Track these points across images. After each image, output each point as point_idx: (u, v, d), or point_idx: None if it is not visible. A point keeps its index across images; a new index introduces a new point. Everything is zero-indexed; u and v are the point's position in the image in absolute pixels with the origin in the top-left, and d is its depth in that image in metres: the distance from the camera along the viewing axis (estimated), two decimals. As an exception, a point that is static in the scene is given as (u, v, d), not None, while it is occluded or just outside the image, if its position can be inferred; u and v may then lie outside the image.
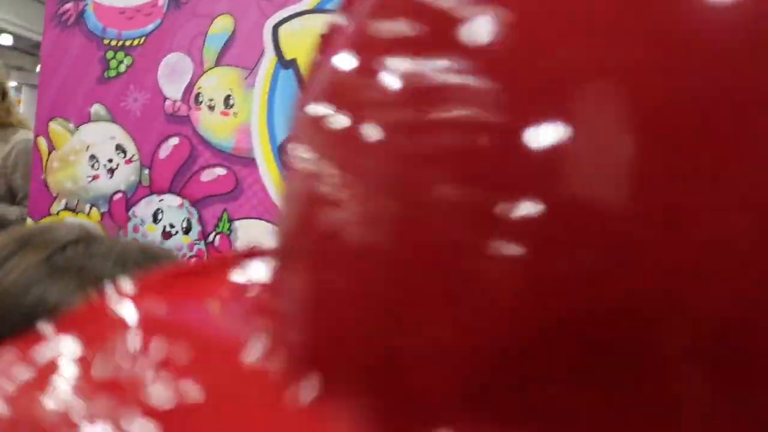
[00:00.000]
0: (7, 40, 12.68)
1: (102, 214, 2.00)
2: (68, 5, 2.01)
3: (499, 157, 0.14)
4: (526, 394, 0.14)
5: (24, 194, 2.23)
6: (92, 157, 2.01)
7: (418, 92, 0.15)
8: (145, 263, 0.55)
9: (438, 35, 0.16)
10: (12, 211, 2.27)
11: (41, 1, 2.02)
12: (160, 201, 1.91)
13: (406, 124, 0.16)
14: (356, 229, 0.16)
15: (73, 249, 0.55)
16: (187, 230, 1.87)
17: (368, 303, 0.16)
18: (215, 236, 1.82)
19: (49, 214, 2.06)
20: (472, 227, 0.14)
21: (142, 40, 1.93)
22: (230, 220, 1.80)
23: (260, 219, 1.76)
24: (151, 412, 0.17)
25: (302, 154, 0.19)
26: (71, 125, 2.03)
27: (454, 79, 0.15)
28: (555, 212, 0.13)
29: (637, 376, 0.13)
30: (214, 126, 1.84)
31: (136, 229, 1.96)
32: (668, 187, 0.13)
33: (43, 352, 0.20)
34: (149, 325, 0.21)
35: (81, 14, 2.00)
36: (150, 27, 1.93)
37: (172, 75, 1.89)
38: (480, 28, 0.15)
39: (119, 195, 1.98)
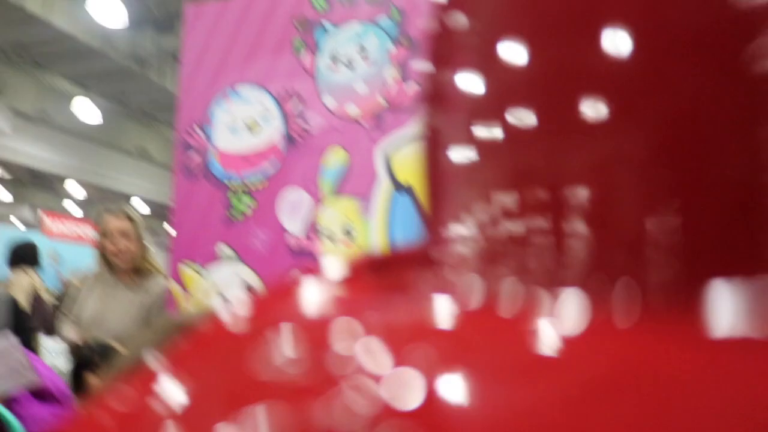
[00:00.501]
0: (142, 206, 13.90)
1: (234, 352, 2.04)
2: (194, 155, 2.15)
3: None
4: None
5: None
6: (221, 296, 2.08)
7: None
8: None
9: None
10: None
11: (172, 169, 2.19)
12: (289, 335, 1.93)
13: None
14: None
15: None
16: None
17: None
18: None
19: (184, 356, 2.12)
20: None
21: (263, 181, 2.02)
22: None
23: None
24: None
25: None
26: (201, 267, 2.12)
27: None
28: None
29: None
30: (336, 256, 1.87)
31: (267, 365, 1.98)
32: None
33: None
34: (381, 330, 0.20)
35: (206, 163, 2.13)
36: (269, 168, 2.02)
37: (293, 211, 1.96)
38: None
39: (249, 332, 2.01)
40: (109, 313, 2.43)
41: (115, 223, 2.47)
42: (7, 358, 1.66)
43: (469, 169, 0.22)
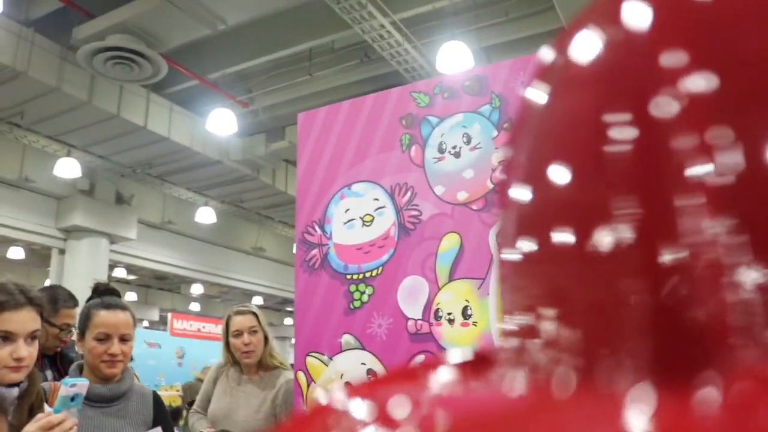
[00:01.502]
0: (258, 300, 14.47)
1: (361, 439, 2.08)
2: (314, 251, 2.28)
3: None
4: None
5: None
6: (347, 384, 2.14)
7: None
8: None
9: None
10: None
11: (286, 263, 2.33)
12: (414, 420, 1.96)
13: None
14: None
15: None
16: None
17: None
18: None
19: (313, 445, 2.18)
20: None
21: (380, 269, 2.11)
22: None
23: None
24: None
25: None
26: (325, 357, 2.20)
27: None
28: None
29: None
30: (456, 338, 1.91)
31: (394, 451, 2.00)
32: None
33: None
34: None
35: (325, 256, 2.25)
36: (385, 257, 2.12)
37: (410, 297, 2.02)
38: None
39: (375, 418, 2.05)
40: (237, 407, 2.54)
41: (243, 322, 2.62)
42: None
43: (513, 273, 0.26)
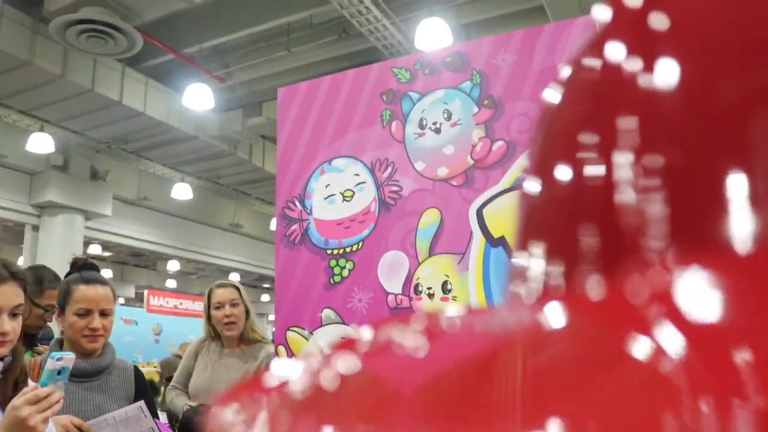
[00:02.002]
0: (235, 276, 14.44)
1: (341, 412, 2.11)
2: (294, 226, 2.29)
3: None
4: None
5: None
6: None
7: None
8: None
9: None
10: None
11: (263, 240, 2.34)
12: (394, 392, 1.99)
13: None
14: None
15: None
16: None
17: None
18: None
19: (294, 418, 2.21)
20: None
21: (360, 244, 2.13)
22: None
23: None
24: None
25: None
26: (306, 331, 2.22)
27: None
28: None
29: None
30: (436, 312, 1.93)
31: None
32: None
33: None
34: None
35: (305, 232, 2.26)
36: (365, 232, 2.13)
37: (391, 272, 2.04)
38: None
39: (355, 391, 2.08)
40: (218, 381, 2.55)
41: (225, 294, 2.63)
42: (140, 423, 1.78)
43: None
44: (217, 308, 2.61)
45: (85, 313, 1.87)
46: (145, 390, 1.99)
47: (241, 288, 2.71)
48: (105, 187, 10.59)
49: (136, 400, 1.88)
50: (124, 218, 11.61)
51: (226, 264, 14.07)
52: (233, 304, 2.60)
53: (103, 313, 1.90)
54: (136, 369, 2.03)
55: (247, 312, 2.64)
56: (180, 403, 2.59)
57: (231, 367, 2.58)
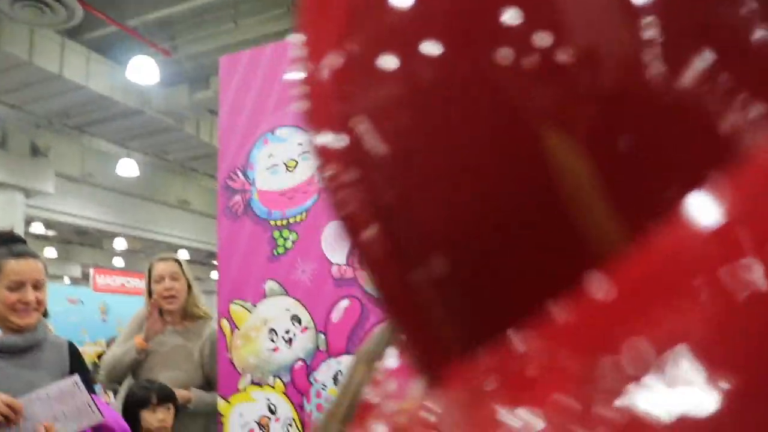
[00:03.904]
0: (184, 254, 14.21)
1: (285, 384, 2.09)
2: (237, 197, 2.24)
3: None
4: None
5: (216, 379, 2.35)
6: (271, 330, 2.14)
7: None
8: None
9: None
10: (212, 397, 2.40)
11: (212, 217, 2.31)
12: (338, 363, 1.98)
13: None
14: None
15: None
16: (367, 388, 1.90)
17: None
18: (396, 390, 1.84)
19: (238, 390, 2.18)
20: None
21: (304, 215, 2.10)
22: (409, 372, 1.82)
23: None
24: None
25: None
26: (249, 304, 2.18)
27: None
28: None
29: None
30: (379, 282, 1.92)
31: (318, 395, 2.02)
32: None
33: None
34: None
35: (248, 203, 2.22)
36: (309, 202, 2.10)
37: (335, 242, 2.02)
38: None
39: (300, 363, 2.07)
40: (159, 357, 2.49)
41: (164, 267, 2.56)
42: (75, 398, 1.73)
43: None
44: (158, 282, 2.54)
45: (17, 287, 1.80)
46: (80, 364, 1.94)
47: (183, 262, 2.64)
48: (47, 164, 10.26)
49: (71, 375, 1.83)
50: (67, 196, 11.29)
51: (174, 241, 13.84)
52: (173, 278, 2.54)
53: (36, 286, 1.83)
54: (70, 344, 1.97)
55: (189, 286, 2.58)
56: (121, 350, 2.49)
57: (172, 344, 2.52)
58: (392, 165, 0.19)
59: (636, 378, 0.14)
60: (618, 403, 0.14)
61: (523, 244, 0.18)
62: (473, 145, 0.18)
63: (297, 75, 0.23)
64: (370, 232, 0.20)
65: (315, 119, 0.22)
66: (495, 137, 0.17)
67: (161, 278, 2.54)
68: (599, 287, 0.16)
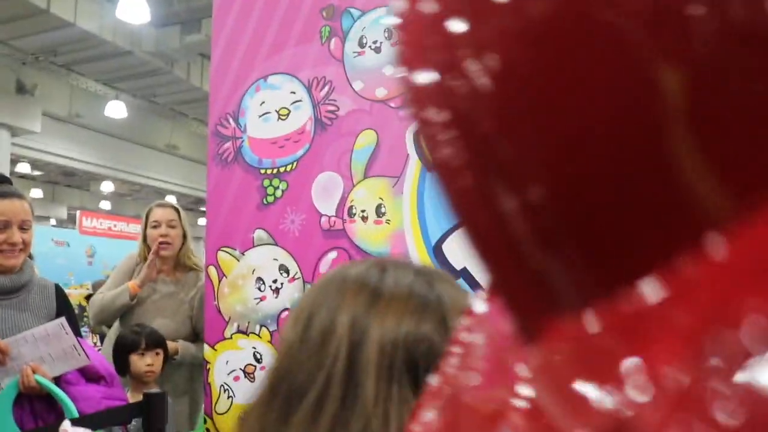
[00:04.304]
0: (171, 199, 14.15)
1: (272, 333, 2.10)
2: (227, 144, 2.21)
3: None
4: None
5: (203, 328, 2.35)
6: (258, 279, 2.14)
7: None
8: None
9: None
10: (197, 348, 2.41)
11: (200, 162, 2.29)
12: (325, 314, 1.98)
13: None
14: None
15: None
16: (353, 340, 1.92)
17: None
18: (382, 342, 1.85)
19: (224, 338, 2.19)
20: None
21: (295, 164, 2.08)
22: (395, 325, 1.83)
23: (424, 320, 1.77)
24: None
25: None
26: (237, 252, 2.18)
27: None
28: None
29: None
30: (369, 235, 1.92)
31: (304, 344, 2.03)
32: None
33: None
34: None
35: (238, 150, 2.19)
36: (300, 152, 2.08)
37: (325, 193, 2.01)
38: None
39: (286, 313, 2.07)
40: (150, 304, 2.49)
41: (163, 214, 2.55)
42: (61, 340, 1.73)
43: None
44: (154, 227, 2.53)
45: (3, 227, 1.78)
46: (66, 307, 1.93)
47: (182, 211, 2.64)
48: (33, 102, 10.09)
49: (57, 318, 1.82)
50: (54, 136, 11.15)
51: (162, 186, 13.77)
52: (170, 225, 2.53)
53: (23, 227, 1.81)
54: (57, 287, 1.96)
55: (185, 236, 2.58)
56: (112, 293, 2.47)
57: (164, 292, 2.52)
58: (497, 99, 0.18)
59: (760, 352, 0.13)
60: (738, 378, 0.13)
61: (630, 193, 0.17)
62: (584, 80, 0.17)
63: (394, 11, 0.22)
64: (467, 174, 0.19)
65: (412, 55, 0.20)
66: (607, 75, 0.17)
67: (158, 224, 2.53)
68: (716, 251, 0.16)
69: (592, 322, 0.17)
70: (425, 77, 0.20)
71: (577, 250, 0.18)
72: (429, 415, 0.25)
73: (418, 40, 0.20)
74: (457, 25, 0.19)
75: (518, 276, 0.19)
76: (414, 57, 0.20)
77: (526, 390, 0.20)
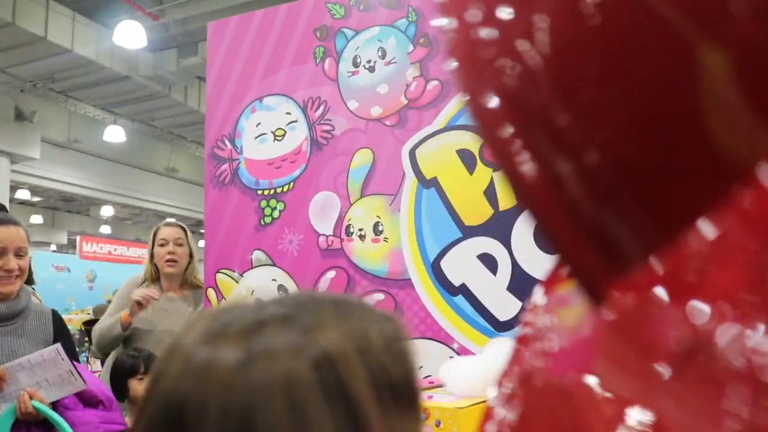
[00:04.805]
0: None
1: (271, 354, 2.08)
2: (224, 166, 2.21)
3: None
4: None
5: None
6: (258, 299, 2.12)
7: None
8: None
9: None
10: None
11: (200, 184, 2.31)
12: (324, 334, 1.97)
13: None
14: None
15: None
16: (353, 359, 1.90)
17: None
18: (382, 361, 1.84)
19: (224, 361, 2.17)
20: None
21: (291, 185, 2.08)
22: (395, 343, 1.81)
23: (423, 338, 1.76)
24: None
25: None
26: (236, 273, 2.17)
27: None
28: None
29: None
30: (367, 254, 1.91)
31: (304, 365, 2.02)
32: None
33: None
34: None
35: (235, 172, 2.19)
36: (296, 172, 2.08)
37: (322, 213, 2.01)
38: None
39: (286, 333, 2.06)
40: (159, 324, 2.46)
41: (170, 232, 2.56)
42: (57, 366, 1.72)
43: None
44: (161, 245, 2.54)
45: (0, 254, 1.78)
46: (63, 332, 1.92)
47: (188, 230, 2.65)
48: (32, 129, 10.13)
49: (54, 343, 1.81)
50: (53, 161, 11.17)
51: (162, 209, 13.77)
52: (178, 243, 2.54)
53: (18, 253, 1.81)
54: (54, 312, 1.95)
55: (191, 255, 2.58)
56: (109, 322, 2.45)
57: (173, 310, 2.50)
58: (549, 74, 0.20)
59: None
60: None
61: (673, 154, 0.19)
62: (629, 55, 0.19)
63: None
64: (521, 145, 0.21)
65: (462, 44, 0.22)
66: (649, 48, 0.18)
67: (165, 242, 2.54)
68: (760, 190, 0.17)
69: (658, 266, 0.19)
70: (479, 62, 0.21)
71: (635, 203, 0.19)
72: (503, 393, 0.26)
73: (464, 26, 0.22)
74: (506, 10, 0.21)
75: (581, 239, 0.21)
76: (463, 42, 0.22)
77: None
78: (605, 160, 0.19)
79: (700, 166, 0.18)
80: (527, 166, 0.20)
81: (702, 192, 0.18)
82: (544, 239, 0.22)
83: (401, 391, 0.47)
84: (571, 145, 0.20)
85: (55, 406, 1.74)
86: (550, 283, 0.28)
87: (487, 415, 0.26)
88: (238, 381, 0.44)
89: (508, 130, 0.21)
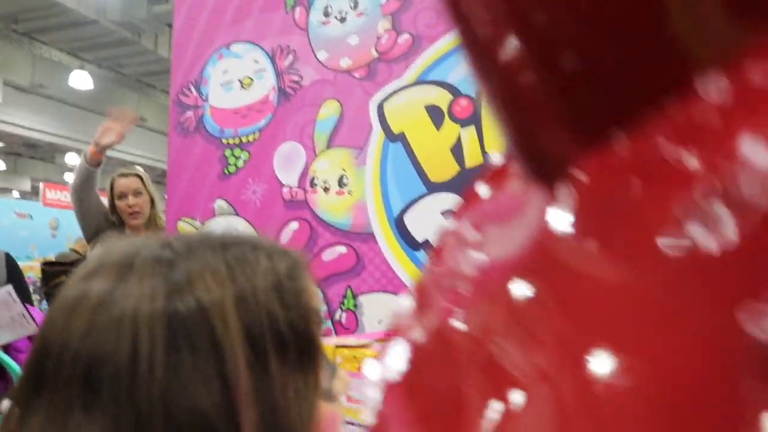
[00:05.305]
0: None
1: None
2: (189, 113, 2.17)
3: None
4: None
5: None
6: (219, 250, 2.11)
7: None
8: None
9: None
10: None
11: (167, 135, 2.25)
12: (285, 285, 1.97)
13: None
14: None
15: None
16: (313, 311, 1.91)
17: None
18: (341, 314, 1.84)
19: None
20: None
21: (257, 134, 2.05)
22: (355, 296, 1.82)
23: (384, 292, 1.77)
24: None
25: None
26: (197, 222, 2.15)
27: None
28: None
29: None
30: (330, 207, 1.90)
31: (264, 316, 2.02)
32: None
33: None
34: None
35: (200, 119, 2.15)
36: (262, 122, 2.04)
37: (287, 163, 1.98)
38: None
39: (247, 284, 2.05)
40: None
41: (127, 183, 2.50)
42: (9, 308, 1.69)
43: None
44: (120, 198, 2.48)
45: None
46: (16, 275, 1.89)
47: (145, 176, 2.58)
48: (-6, 71, 9.82)
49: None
50: (16, 106, 10.86)
51: (128, 159, 13.52)
52: (136, 194, 2.49)
53: None
54: (7, 255, 1.92)
55: (152, 201, 2.53)
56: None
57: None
58: None
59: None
60: None
61: (635, 43, 0.19)
62: None
63: None
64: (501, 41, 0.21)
65: None
66: None
67: (123, 195, 2.48)
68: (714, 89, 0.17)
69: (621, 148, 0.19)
70: None
71: (600, 91, 0.20)
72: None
73: None
74: None
75: (548, 113, 0.21)
76: None
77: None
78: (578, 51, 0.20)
79: (661, 60, 0.19)
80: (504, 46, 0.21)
81: (662, 85, 0.19)
82: (503, 123, 0.22)
83: (292, 337, 0.45)
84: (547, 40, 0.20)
85: (6, 348, 1.71)
86: (495, 177, 0.28)
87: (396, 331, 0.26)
88: (96, 319, 0.42)
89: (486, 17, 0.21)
